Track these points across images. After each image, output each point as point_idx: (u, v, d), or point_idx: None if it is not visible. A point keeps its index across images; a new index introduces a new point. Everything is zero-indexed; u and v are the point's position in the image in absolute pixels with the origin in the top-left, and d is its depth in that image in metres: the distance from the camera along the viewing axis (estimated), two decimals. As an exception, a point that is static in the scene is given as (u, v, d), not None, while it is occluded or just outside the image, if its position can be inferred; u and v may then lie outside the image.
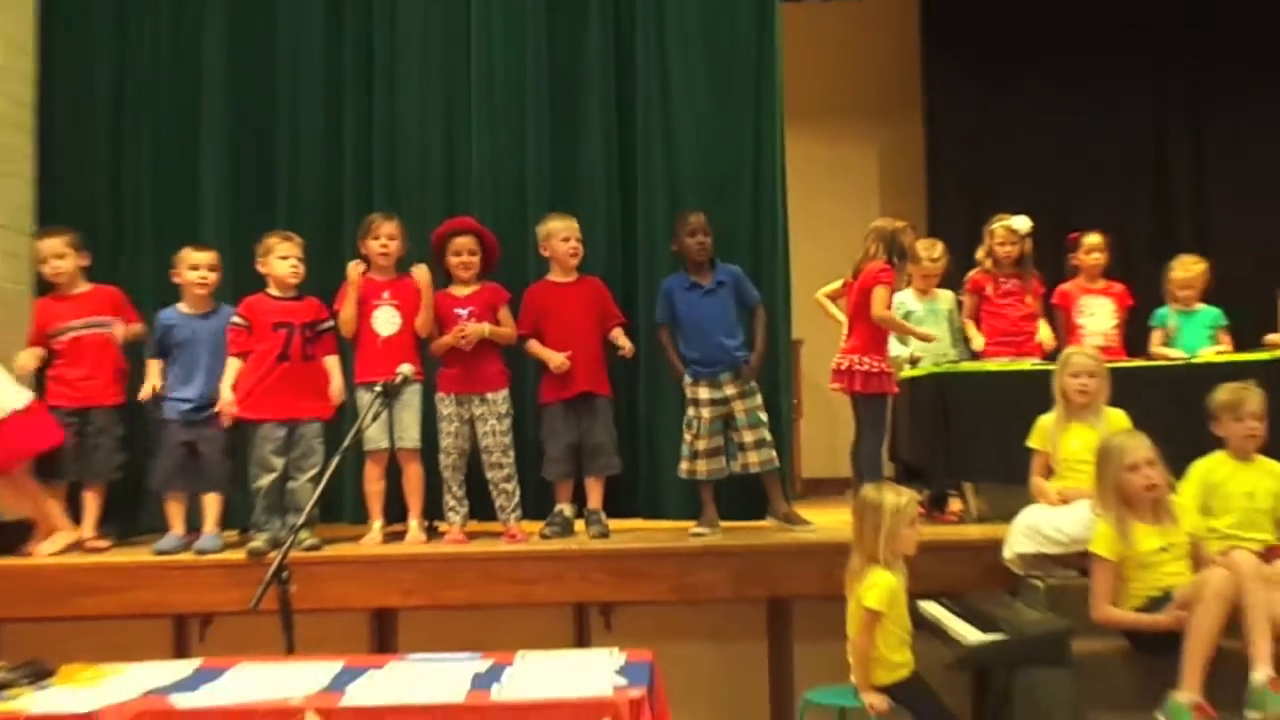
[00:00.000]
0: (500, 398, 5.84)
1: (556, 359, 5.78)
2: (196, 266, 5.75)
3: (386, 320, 5.79)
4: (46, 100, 6.42)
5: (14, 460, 5.53)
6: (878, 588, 4.49)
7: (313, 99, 6.58)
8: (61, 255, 5.80)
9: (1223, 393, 4.98)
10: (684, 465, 5.86)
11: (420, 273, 5.73)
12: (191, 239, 5.95)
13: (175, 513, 5.70)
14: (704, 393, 5.82)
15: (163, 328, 5.76)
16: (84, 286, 5.89)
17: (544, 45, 6.54)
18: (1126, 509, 4.55)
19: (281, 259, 5.72)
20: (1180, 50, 8.80)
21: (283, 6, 6.60)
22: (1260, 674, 4.16)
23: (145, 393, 5.69)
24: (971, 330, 6.64)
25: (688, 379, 5.87)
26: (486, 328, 5.78)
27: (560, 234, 5.96)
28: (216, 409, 5.61)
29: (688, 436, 5.85)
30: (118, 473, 5.84)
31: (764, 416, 5.87)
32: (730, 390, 5.82)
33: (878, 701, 4.51)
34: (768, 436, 5.85)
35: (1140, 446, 4.57)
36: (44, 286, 6.11)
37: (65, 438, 5.62)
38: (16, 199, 6.19)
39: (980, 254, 6.70)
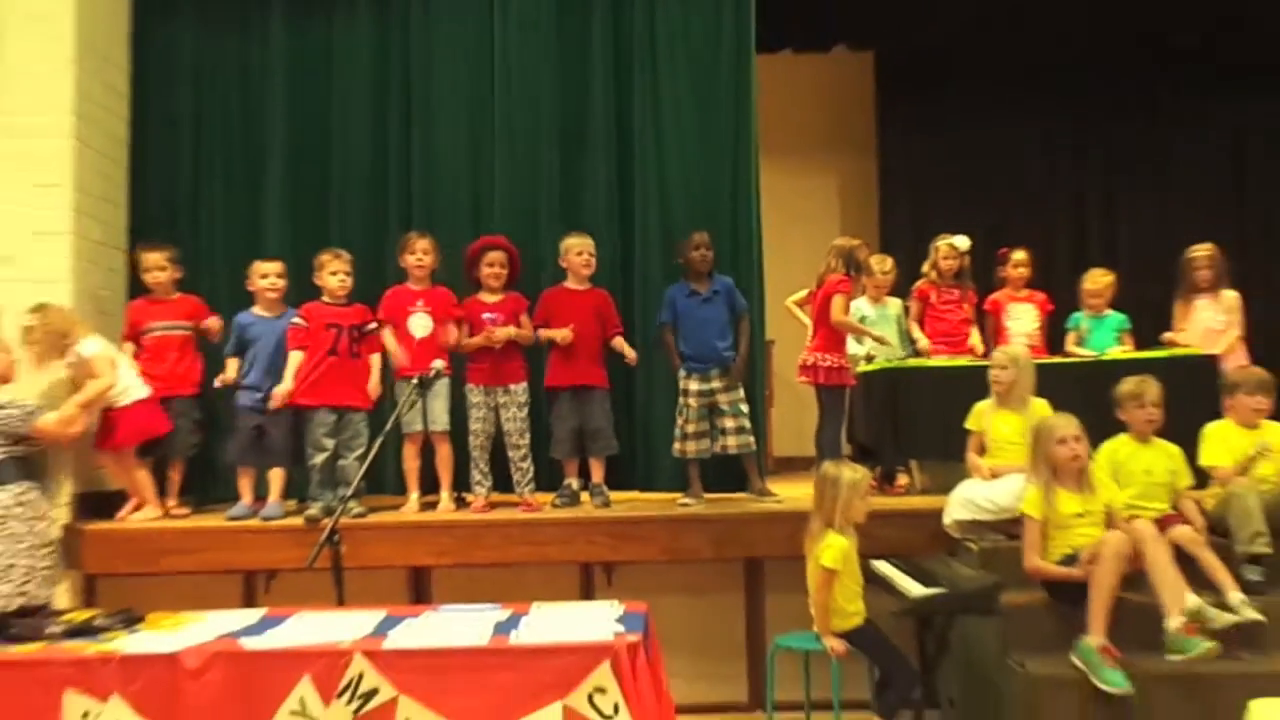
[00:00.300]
0: (520, 389, 5.83)
1: (561, 333, 5.78)
2: (266, 275, 5.80)
3: (420, 325, 5.79)
4: (137, 138, 6.41)
5: (132, 440, 5.58)
6: (832, 549, 4.51)
7: (360, 138, 6.57)
8: (163, 268, 5.85)
9: (1127, 384, 5.00)
10: (676, 446, 5.85)
11: (450, 332, 5.78)
12: (258, 256, 5.96)
13: (245, 485, 5.71)
14: (694, 385, 5.82)
15: (240, 327, 5.78)
16: (174, 295, 5.91)
17: (556, 93, 6.54)
18: (1054, 477, 4.58)
19: (332, 274, 5.73)
20: (1094, 96, 8.79)
21: (336, 59, 6.59)
22: (1174, 621, 4.20)
23: (220, 382, 5.71)
24: (916, 332, 6.65)
25: (682, 372, 5.86)
26: (512, 330, 5.78)
27: (575, 249, 5.97)
28: (273, 399, 5.64)
29: (679, 421, 5.84)
30: (193, 450, 5.85)
31: (744, 408, 5.85)
32: (716, 384, 5.81)
33: (837, 645, 4.53)
34: (746, 424, 5.83)
35: (1069, 425, 4.62)
36: (132, 294, 6.15)
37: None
38: (115, 222, 6.19)
39: (926, 267, 6.72)
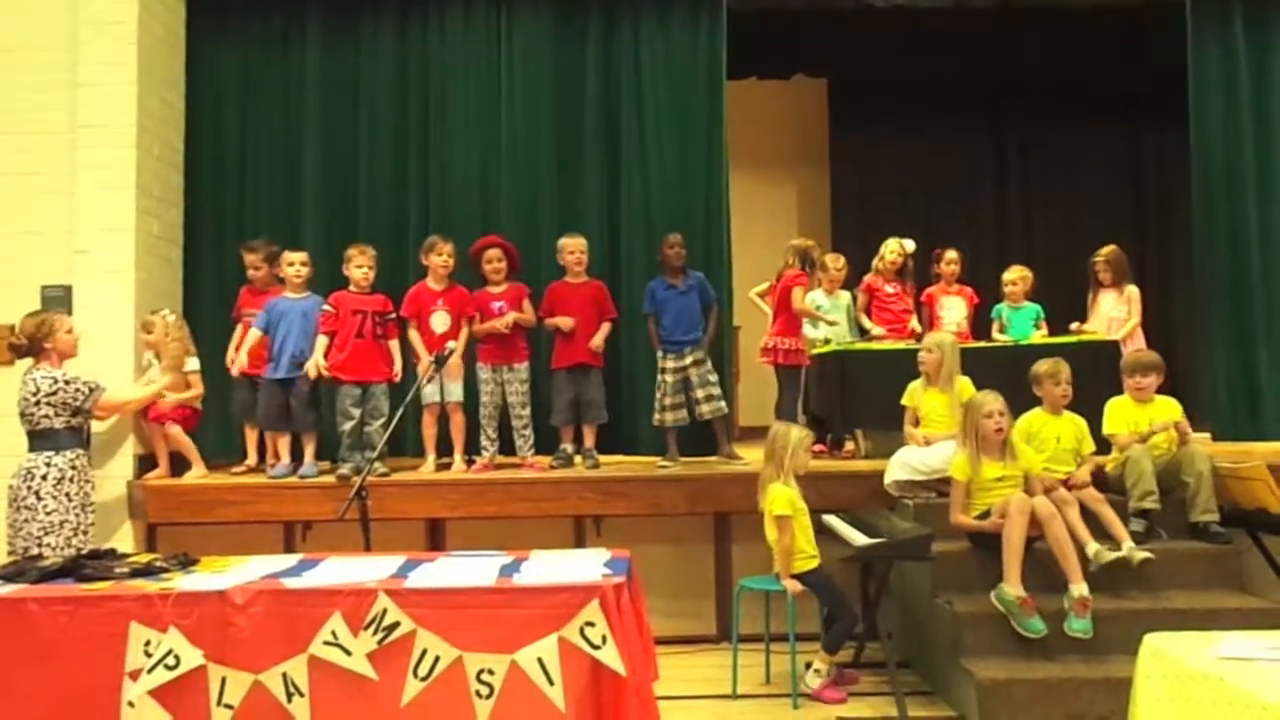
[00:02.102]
0: (523, 368, 5.84)
1: (565, 322, 5.80)
2: (293, 263, 5.77)
3: (440, 321, 5.75)
4: (191, 146, 6.34)
5: (167, 419, 5.56)
6: (780, 498, 4.57)
7: (384, 148, 6.51)
8: (257, 267, 5.88)
9: (1044, 365, 5.05)
10: (656, 417, 5.85)
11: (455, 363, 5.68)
12: (294, 248, 5.91)
13: (282, 448, 5.69)
14: (670, 363, 5.81)
15: (269, 306, 5.73)
16: (271, 285, 5.89)
17: (554, 112, 6.50)
18: (980, 445, 4.61)
19: (357, 267, 5.69)
20: (1013, 119, 8.81)
21: (363, 78, 6.53)
22: (1075, 589, 4.25)
23: (239, 364, 5.68)
24: (866, 320, 6.63)
25: (660, 353, 5.86)
26: (515, 315, 5.78)
27: (568, 249, 5.96)
28: (303, 372, 5.59)
29: (658, 396, 5.84)
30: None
31: (713, 378, 5.85)
32: (689, 360, 5.81)
33: (794, 586, 4.56)
34: (716, 392, 5.83)
35: (995, 401, 4.65)
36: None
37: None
38: (172, 219, 6.14)
39: (875, 262, 6.69)
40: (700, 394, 5.80)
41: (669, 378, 5.81)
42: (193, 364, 5.59)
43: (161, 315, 5.46)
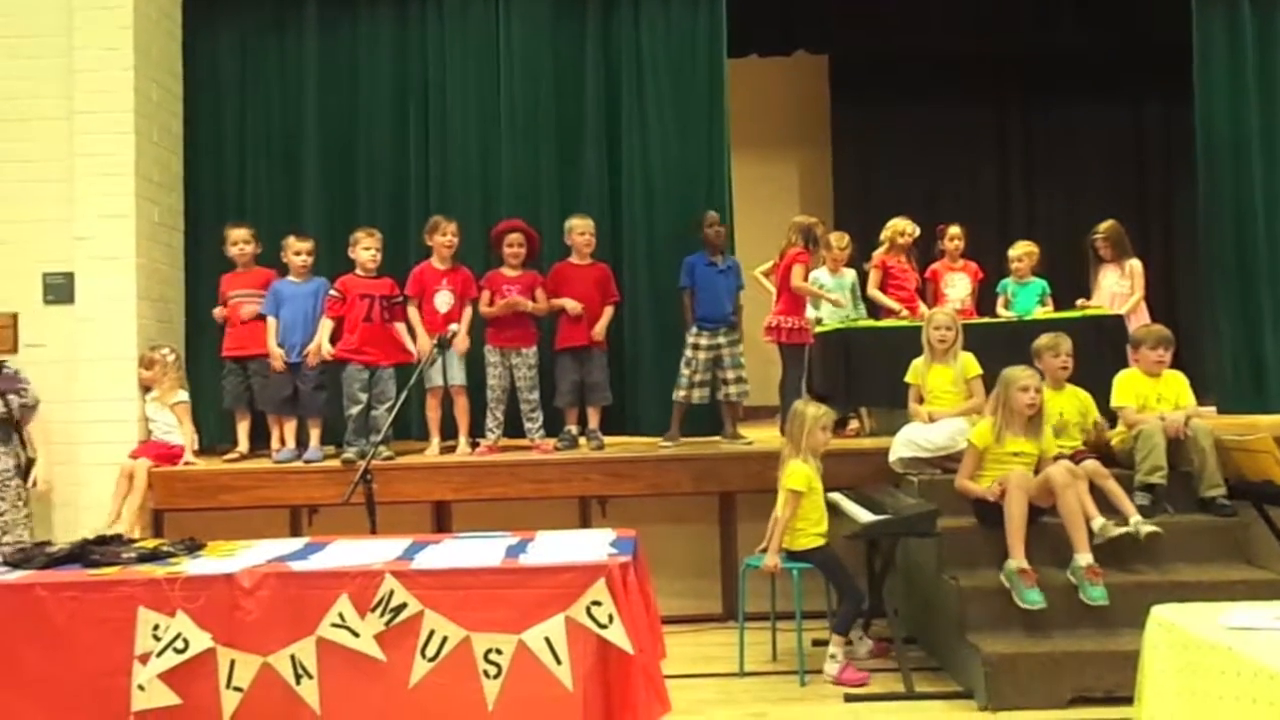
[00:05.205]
0: (531, 351, 5.84)
1: (573, 306, 5.80)
2: (299, 252, 5.77)
3: (444, 301, 5.75)
4: (190, 131, 6.33)
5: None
6: (797, 474, 4.57)
7: (384, 132, 6.48)
8: (248, 241, 5.86)
9: (1044, 338, 5.07)
10: (681, 393, 5.81)
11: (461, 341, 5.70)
12: (296, 233, 5.90)
13: (287, 432, 5.70)
14: (704, 340, 5.81)
15: (274, 291, 5.74)
16: (253, 267, 5.89)
17: (554, 92, 6.47)
18: (1007, 417, 4.61)
19: (365, 249, 5.68)
20: (1015, 94, 8.76)
21: (361, 62, 6.49)
22: (1081, 559, 4.27)
23: (273, 351, 5.65)
24: (882, 298, 6.51)
25: (693, 329, 5.84)
26: (530, 304, 5.79)
27: (578, 229, 5.96)
28: (308, 355, 5.61)
29: (686, 372, 5.80)
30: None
31: (744, 360, 5.89)
32: (722, 340, 5.83)
33: (771, 563, 4.58)
34: (744, 375, 5.87)
35: (1031, 377, 4.67)
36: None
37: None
38: (172, 205, 6.13)
39: (886, 240, 6.63)
40: (731, 374, 5.82)
41: (701, 355, 5.80)
42: (181, 395, 5.63)
43: (163, 354, 5.58)
